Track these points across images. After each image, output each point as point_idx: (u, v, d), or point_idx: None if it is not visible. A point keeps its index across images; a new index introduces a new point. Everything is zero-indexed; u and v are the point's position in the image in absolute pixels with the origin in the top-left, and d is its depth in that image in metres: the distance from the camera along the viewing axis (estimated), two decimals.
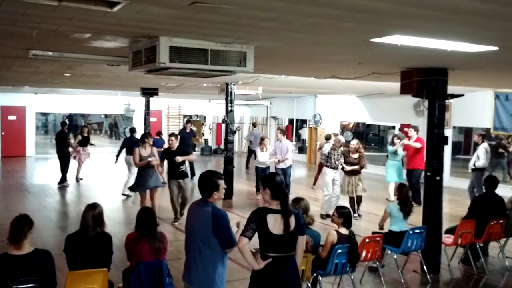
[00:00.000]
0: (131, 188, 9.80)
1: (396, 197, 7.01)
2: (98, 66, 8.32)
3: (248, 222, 3.93)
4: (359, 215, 10.35)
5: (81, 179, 14.52)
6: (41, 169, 16.73)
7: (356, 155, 10.25)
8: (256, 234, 3.92)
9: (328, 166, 10.39)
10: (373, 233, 6.88)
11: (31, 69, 9.24)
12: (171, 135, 9.75)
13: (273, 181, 4.05)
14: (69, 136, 14.52)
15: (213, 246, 4.01)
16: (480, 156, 10.98)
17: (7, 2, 3.45)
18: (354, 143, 10.49)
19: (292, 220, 3.96)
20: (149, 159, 9.21)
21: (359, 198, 10.41)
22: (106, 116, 34.52)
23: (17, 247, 4.07)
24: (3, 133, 20.14)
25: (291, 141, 22.65)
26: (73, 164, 14.11)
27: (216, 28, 4.26)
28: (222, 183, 4.14)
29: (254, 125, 20.33)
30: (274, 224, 3.90)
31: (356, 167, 10.15)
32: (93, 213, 4.76)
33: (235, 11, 3.55)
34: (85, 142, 14.44)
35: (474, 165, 11.08)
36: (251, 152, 17.40)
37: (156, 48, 4.65)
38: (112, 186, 14.27)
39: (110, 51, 5.86)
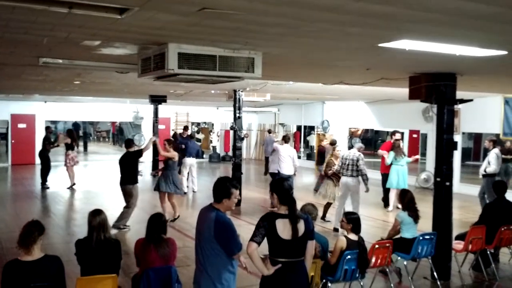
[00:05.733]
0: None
1: (400, 204, 6.98)
2: (107, 73, 8.39)
3: (257, 227, 3.93)
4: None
5: (73, 184, 14.51)
6: (50, 176, 16.80)
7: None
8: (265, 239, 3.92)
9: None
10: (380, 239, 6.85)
11: (41, 77, 9.31)
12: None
13: (280, 187, 4.09)
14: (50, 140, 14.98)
15: (217, 252, 3.98)
16: (491, 162, 10.89)
17: (18, 10, 3.49)
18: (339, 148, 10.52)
19: (301, 225, 3.96)
20: None
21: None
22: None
23: (27, 252, 4.09)
24: (13, 141, 20.28)
25: (299, 147, 22.64)
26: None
27: (224, 34, 4.28)
28: (235, 192, 4.06)
29: (269, 131, 19.28)
30: (283, 229, 3.90)
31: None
32: (97, 219, 4.80)
33: (243, 17, 3.57)
34: (70, 146, 14.58)
35: (485, 171, 10.98)
36: (268, 160, 16.80)
37: (165, 54, 4.69)
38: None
39: (119, 58, 5.91)
